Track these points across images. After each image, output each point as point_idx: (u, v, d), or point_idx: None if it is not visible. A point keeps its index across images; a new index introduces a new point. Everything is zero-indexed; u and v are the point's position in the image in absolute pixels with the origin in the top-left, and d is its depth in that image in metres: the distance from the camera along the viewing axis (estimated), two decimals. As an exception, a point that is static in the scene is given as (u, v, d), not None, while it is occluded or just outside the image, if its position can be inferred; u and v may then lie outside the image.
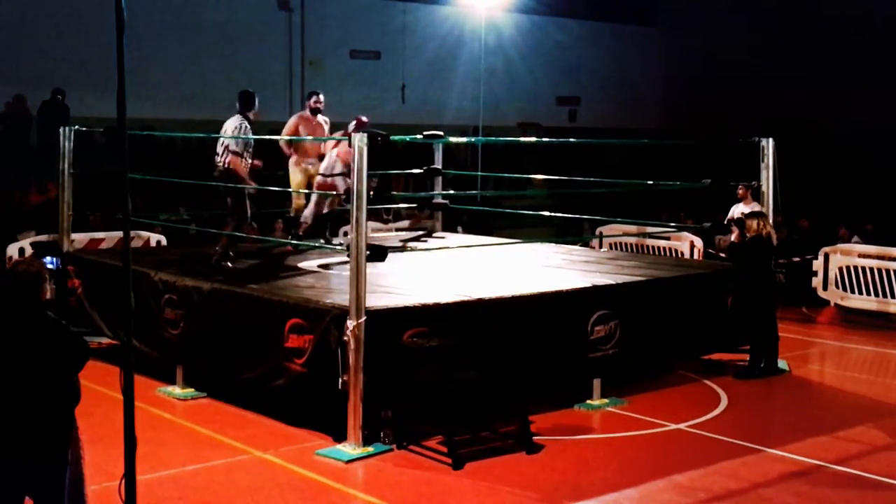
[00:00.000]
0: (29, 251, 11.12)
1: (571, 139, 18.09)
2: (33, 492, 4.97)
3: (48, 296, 5.09)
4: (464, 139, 18.41)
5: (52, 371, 4.90)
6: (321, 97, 11.07)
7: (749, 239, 9.96)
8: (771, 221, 10.23)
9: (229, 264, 9.75)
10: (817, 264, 13.67)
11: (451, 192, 13.05)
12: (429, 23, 22.30)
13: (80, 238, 11.39)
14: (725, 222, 11.34)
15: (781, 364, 10.30)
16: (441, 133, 12.46)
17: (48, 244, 10.83)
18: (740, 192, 11.73)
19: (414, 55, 22.06)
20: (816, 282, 13.66)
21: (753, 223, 9.95)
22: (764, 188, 10.55)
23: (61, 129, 10.84)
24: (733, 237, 10.33)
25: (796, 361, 10.69)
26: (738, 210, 11.57)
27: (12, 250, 11.27)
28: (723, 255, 13.12)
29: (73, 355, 4.98)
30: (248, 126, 9.68)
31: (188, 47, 18.89)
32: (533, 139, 21.75)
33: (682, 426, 8.27)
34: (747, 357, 10.10)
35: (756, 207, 10.66)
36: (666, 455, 7.60)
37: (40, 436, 4.88)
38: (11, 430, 4.91)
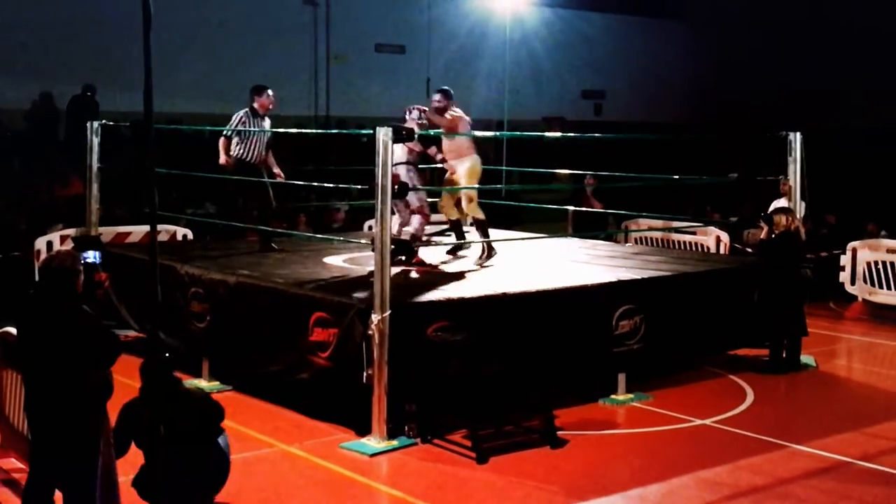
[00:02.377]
0: (57, 244, 11.19)
1: (596, 133, 17.98)
2: (63, 483, 5.02)
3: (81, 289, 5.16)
4: (488, 133, 18.33)
5: (85, 364, 4.95)
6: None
7: (777, 235, 9.88)
8: (801, 216, 10.13)
9: (274, 246, 10.32)
10: (845, 259, 13.55)
11: (476, 186, 13.02)
12: (453, 17, 22.27)
13: (107, 231, 11.47)
14: (763, 216, 11.17)
15: (808, 360, 10.23)
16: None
17: (90, 238, 10.85)
18: (784, 187, 11.46)
19: (439, 49, 22.06)
20: (844, 277, 13.55)
21: (782, 219, 9.88)
22: (791, 182, 10.46)
23: (88, 124, 10.91)
24: (762, 235, 10.23)
25: (823, 357, 10.61)
26: (780, 204, 11.39)
27: (40, 244, 11.36)
28: (749, 249, 13.02)
29: (106, 349, 5.03)
30: (249, 117, 10.22)
31: (215, 43, 18.98)
32: (558, 133, 21.69)
33: (707, 421, 8.23)
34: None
35: (780, 202, 10.56)
36: (691, 450, 7.57)
37: (73, 428, 4.93)
38: (45, 422, 4.96)
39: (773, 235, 9.92)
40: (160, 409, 4.86)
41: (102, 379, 5.04)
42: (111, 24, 16.93)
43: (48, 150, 16.29)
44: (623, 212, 13.38)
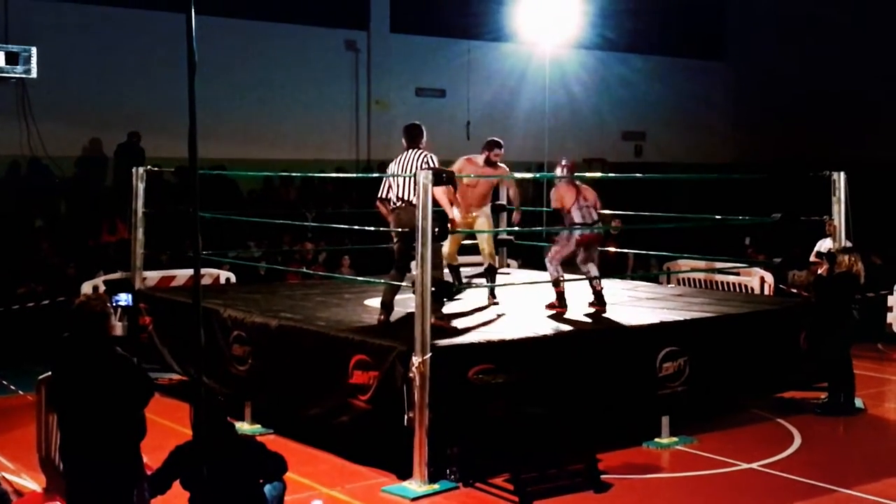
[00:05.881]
0: (102, 289, 11.34)
1: (637, 174, 17.88)
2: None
3: (118, 332, 5.23)
4: (529, 175, 18.40)
5: (119, 406, 4.99)
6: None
7: (837, 274, 9.77)
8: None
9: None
10: (892, 300, 13.34)
11: (517, 228, 13.04)
12: (493, 60, 22.42)
13: (151, 276, 11.60)
14: (814, 256, 11.06)
15: (857, 402, 10.04)
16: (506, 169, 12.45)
17: (121, 281, 11.03)
18: (829, 227, 11.38)
19: (478, 92, 22.17)
20: (892, 318, 13.32)
21: (845, 258, 9.78)
22: (836, 222, 10.35)
23: (133, 170, 11.08)
24: (821, 270, 10.12)
25: (872, 399, 10.42)
26: (825, 244, 11.29)
27: (86, 288, 11.51)
28: (795, 290, 12.84)
29: (139, 390, 5.07)
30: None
31: (257, 90, 19.23)
32: (598, 174, 21.64)
33: (754, 465, 8.09)
34: (821, 395, 9.88)
35: (847, 243, 10.45)
36: (737, 495, 7.45)
37: (107, 470, 4.96)
38: (80, 464, 4.99)
39: (832, 274, 9.80)
40: (207, 452, 4.87)
41: (136, 420, 5.08)
42: (156, 72, 17.25)
43: (95, 195, 16.56)
44: (665, 253, 13.27)
